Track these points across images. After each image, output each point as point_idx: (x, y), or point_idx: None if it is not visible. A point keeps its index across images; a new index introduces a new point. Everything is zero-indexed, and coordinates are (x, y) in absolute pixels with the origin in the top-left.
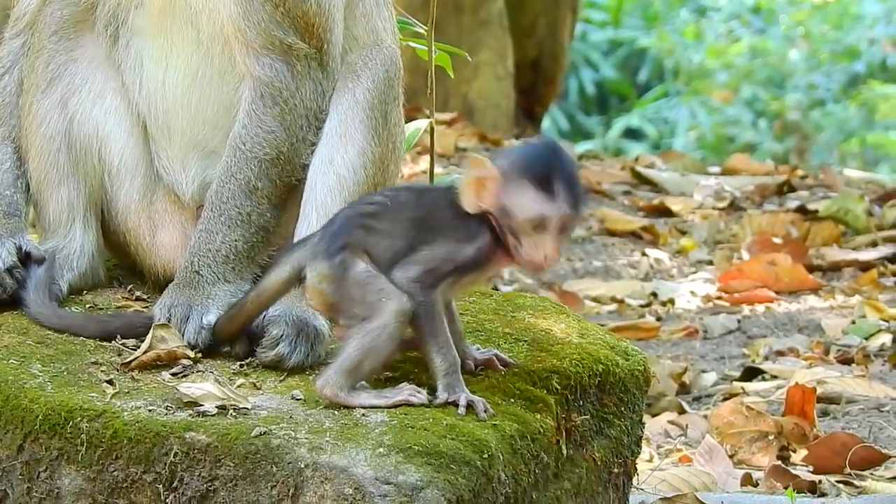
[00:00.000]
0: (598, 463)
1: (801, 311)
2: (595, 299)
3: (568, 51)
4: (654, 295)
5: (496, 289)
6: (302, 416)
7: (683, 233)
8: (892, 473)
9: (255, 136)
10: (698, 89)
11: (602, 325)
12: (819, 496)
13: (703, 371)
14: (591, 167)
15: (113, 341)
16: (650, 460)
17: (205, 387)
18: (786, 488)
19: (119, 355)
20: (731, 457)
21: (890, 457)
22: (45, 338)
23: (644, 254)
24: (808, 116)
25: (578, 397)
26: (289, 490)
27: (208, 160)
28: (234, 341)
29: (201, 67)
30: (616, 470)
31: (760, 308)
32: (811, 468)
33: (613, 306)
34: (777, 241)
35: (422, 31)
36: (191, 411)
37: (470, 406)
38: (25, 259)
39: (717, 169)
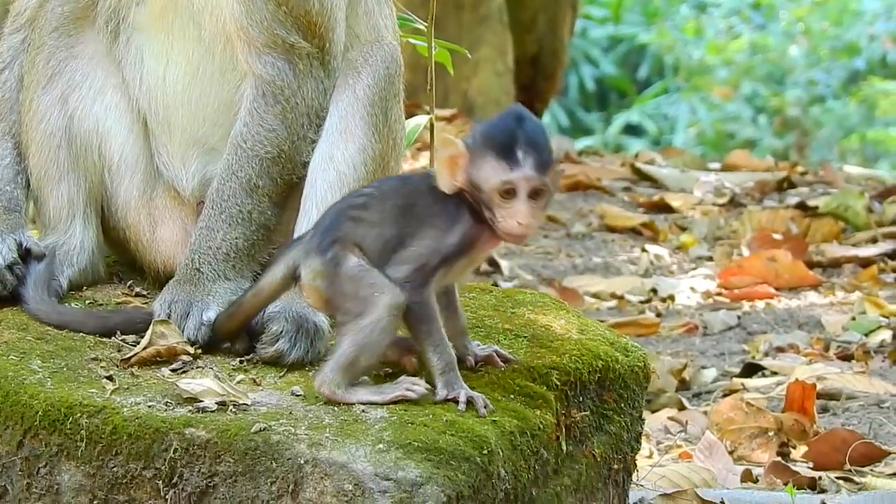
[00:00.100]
0: (598, 459)
1: (801, 308)
2: (595, 295)
3: (568, 47)
4: (654, 291)
5: (496, 285)
6: (302, 412)
7: (683, 229)
8: (892, 470)
9: (257, 135)
10: (698, 85)
11: (602, 322)
12: (819, 493)
13: (703, 367)
14: (590, 163)
15: (113, 337)
16: (650, 456)
17: (204, 383)
18: (786, 485)
19: (119, 351)
20: (730, 453)
21: (890, 453)
22: (45, 334)
23: (644, 250)
24: (808, 113)
25: (578, 393)
26: (288, 486)
27: (208, 157)
28: (234, 339)
29: (202, 64)
30: (616, 466)
31: (760, 304)
32: (811, 464)
33: (613, 302)
34: (777, 237)
35: (422, 27)
36: (190, 407)
37: (470, 402)
38: (25, 255)
39: (717, 165)
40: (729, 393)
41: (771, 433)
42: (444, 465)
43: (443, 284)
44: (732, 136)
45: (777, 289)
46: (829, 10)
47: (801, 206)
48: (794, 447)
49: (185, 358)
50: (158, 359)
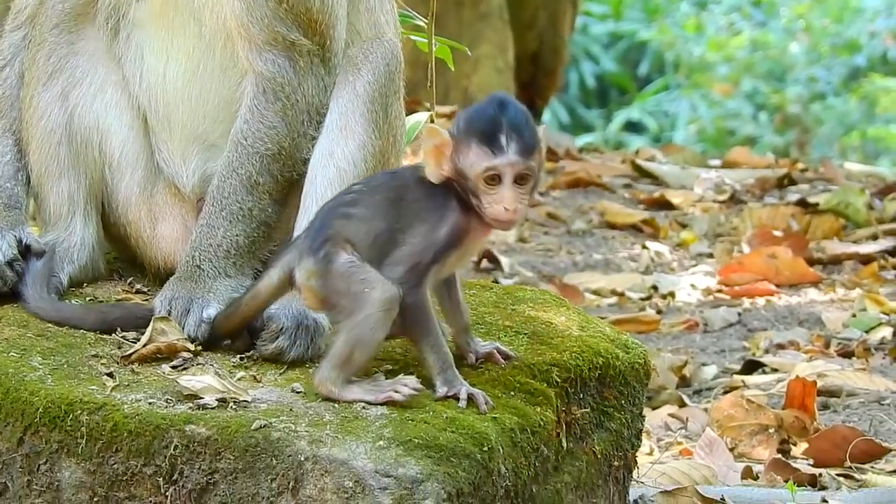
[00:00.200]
0: (599, 456)
1: (802, 305)
2: (595, 292)
3: (568, 44)
4: (655, 288)
5: (496, 282)
6: (302, 408)
7: (684, 226)
8: (892, 467)
9: (257, 132)
10: (699, 82)
11: (602, 318)
12: (819, 489)
13: (704, 364)
14: (591, 160)
15: (113, 334)
16: (650, 453)
17: (205, 380)
18: (786, 481)
19: (119, 348)
20: (731, 450)
21: (890, 450)
22: (46, 330)
23: (644, 247)
24: (808, 110)
25: (579, 390)
26: (289, 483)
27: (209, 153)
28: (234, 336)
29: (202, 61)
30: (616, 463)
31: (761, 301)
32: (811, 461)
33: (614, 299)
34: (777, 234)
35: (422, 24)
36: (191, 404)
37: (471, 399)
38: (26, 252)
39: (717, 162)
40: (729, 390)
41: (771, 430)
42: (444, 462)
43: (438, 279)
44: (733, 133)
45: (777, 286)
46: (830, 7)
47: (802, 203)
48: (795, 444)
49: (185, 355)
50: (159, 356)
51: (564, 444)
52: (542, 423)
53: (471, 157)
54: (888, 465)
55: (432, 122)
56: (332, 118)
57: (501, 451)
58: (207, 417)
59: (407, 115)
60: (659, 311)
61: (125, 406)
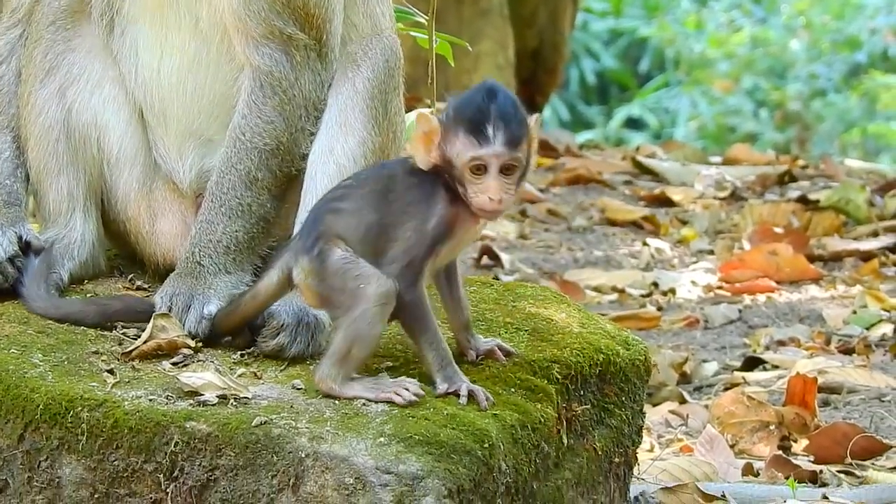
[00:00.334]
0: (599, 453)
1: (803, 301)
2: (596, 289)
3: (569, 40)
4: (655, 285)
5: (497, 278)
6: (302, 405)
7: (684, 222)
8: (893, 463)
9: (255, 127)
10: (699, 79)
11: (603, 315)
12: (820, 486)
13: (704, 361)
14: (591, 157)
15: (114, 331)
16: (651, 450)
17: (205, 376)
18: (787, 478)
19: (120, 345)
20: (732, 447)
21: (891, 447)
22: (46, 327)
23: (645, 243)
24: (809, 106)
25: (579, 387)
26: (289, 479)
27: (205, 149)
28: (234, 333)
29: (197, 56)
30: (617, 460)
31: (761, 298)
32: (812, 458)
33: (614, 296)
34: (778, 230)
35: (422, 20)
36: (191, 401)
37: (471, 395)
38: (26, 248)
39: (718, 159)
40: (730, 386)
41: (772, 427)
42: (445, 459)
43: (434, 271)
44: (733, 130)
45: (778, 282)
46: (831, 4)
47: (803, 200)
48: (796, 441)
49: (185, 351)
50: (159, 352)
51: (565, 441)
52: (542, 420)
53: (457, 146)
54: (889, 461)
55: None
56: (332, 114)
57: (502, 447)
58: (208, 414)
59: (407, 111)
60: (659, 308)
61: (126, 403)
